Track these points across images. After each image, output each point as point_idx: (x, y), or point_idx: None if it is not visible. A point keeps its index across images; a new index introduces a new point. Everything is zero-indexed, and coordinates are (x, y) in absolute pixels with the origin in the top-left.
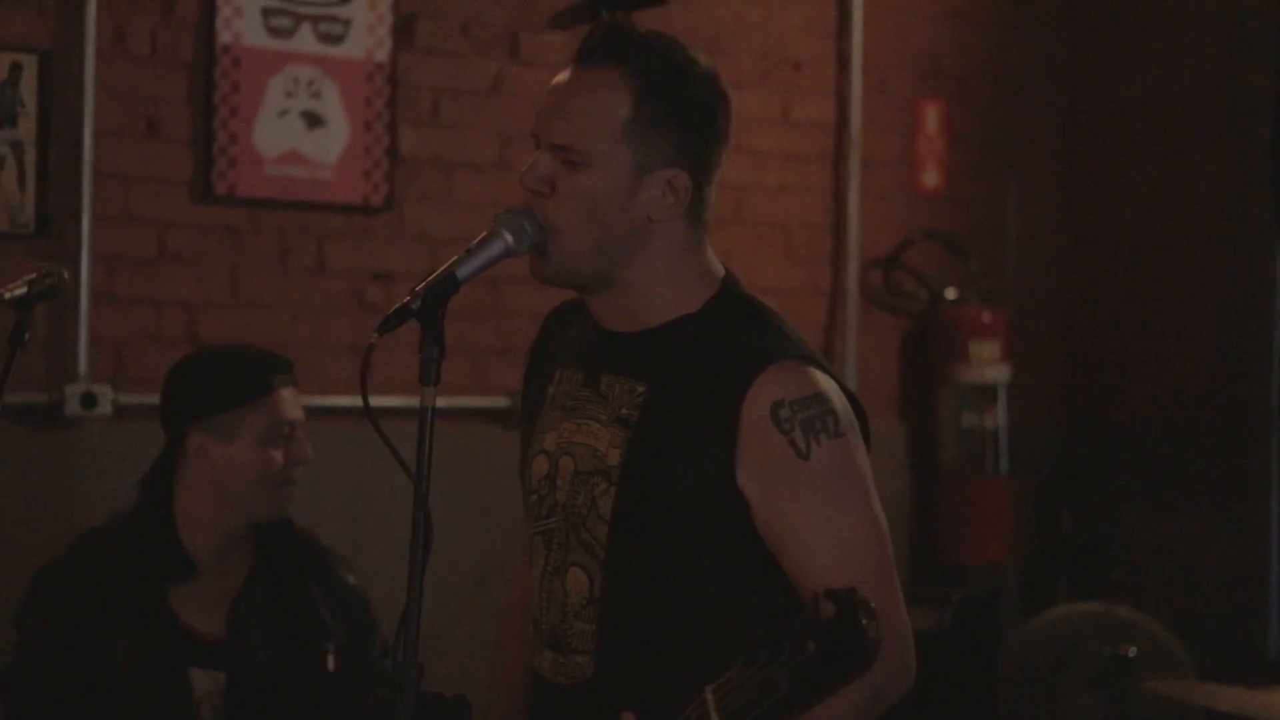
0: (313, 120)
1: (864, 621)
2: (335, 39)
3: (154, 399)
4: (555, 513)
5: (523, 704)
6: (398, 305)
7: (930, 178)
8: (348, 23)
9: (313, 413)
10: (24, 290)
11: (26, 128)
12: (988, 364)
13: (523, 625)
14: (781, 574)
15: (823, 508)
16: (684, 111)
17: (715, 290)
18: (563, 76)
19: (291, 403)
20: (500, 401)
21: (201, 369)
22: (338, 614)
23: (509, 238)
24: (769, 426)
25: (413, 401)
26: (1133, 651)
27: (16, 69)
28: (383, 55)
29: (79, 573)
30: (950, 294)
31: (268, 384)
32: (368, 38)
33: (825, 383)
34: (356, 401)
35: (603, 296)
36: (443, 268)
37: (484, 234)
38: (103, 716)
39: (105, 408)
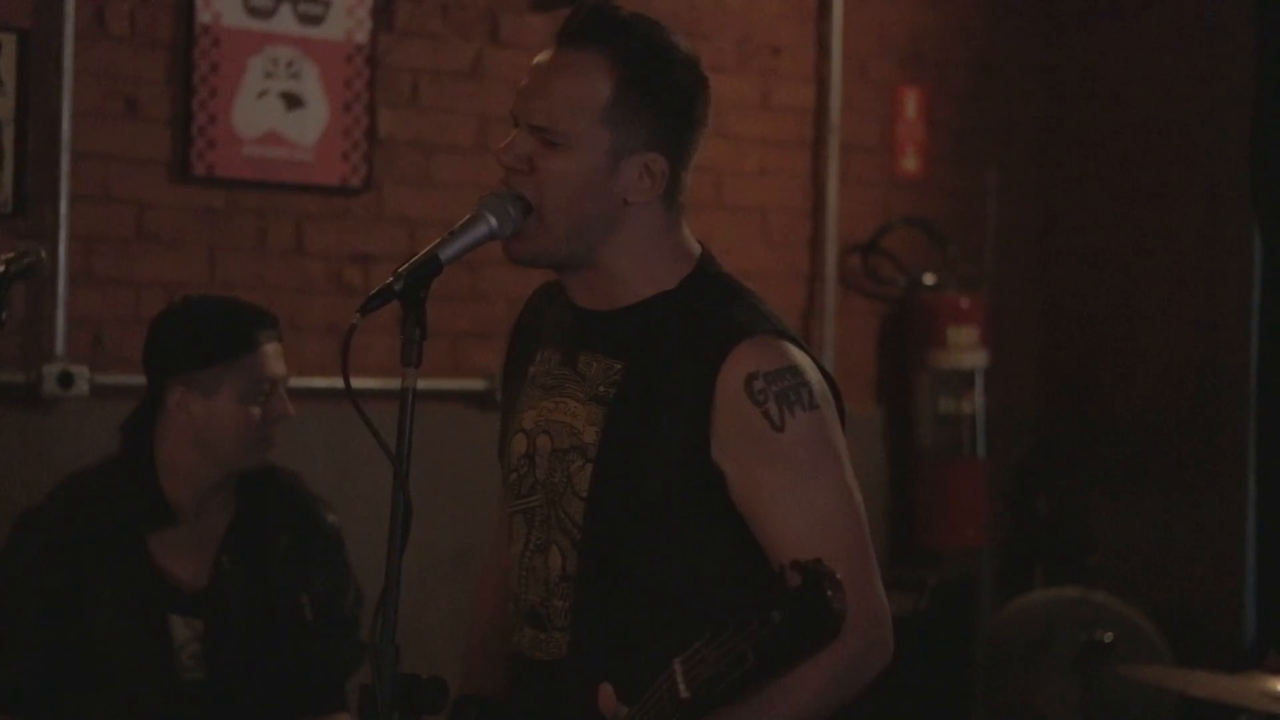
0: (292, 101)
1: (829, 592)
2: (315, 20)
3: (132, 379)
4: (536, 491)
5: (494, 668)
6: (380, 286)
7: (909, 163)
8: (327, 4)
9: (291, 394)
10: (1, 269)
11: (5, 107)
12: (965, 349)
13: (495, 602)
14: (759, 549)
15: (796, 480)
16: (664, 97)
17: (691, 268)
18: (543, 56)
19: (274, 359)
20: (477, 384)
21: (184, 322)
22: (317, 557)
23: (492, 221)
24: (743, 399)
25: (389, 384)
26: (1109, 637)
27: None
28: (362, 36)
29: (59, 520)
30: (928, 279)
31: (250, 340)
32: (347, 19)
33: (800, 357)
34: (334, 383)
35: (579, 276)
36: (426, 249)
37: (467, 217)
38: (83, 663)
39: (82, 388)
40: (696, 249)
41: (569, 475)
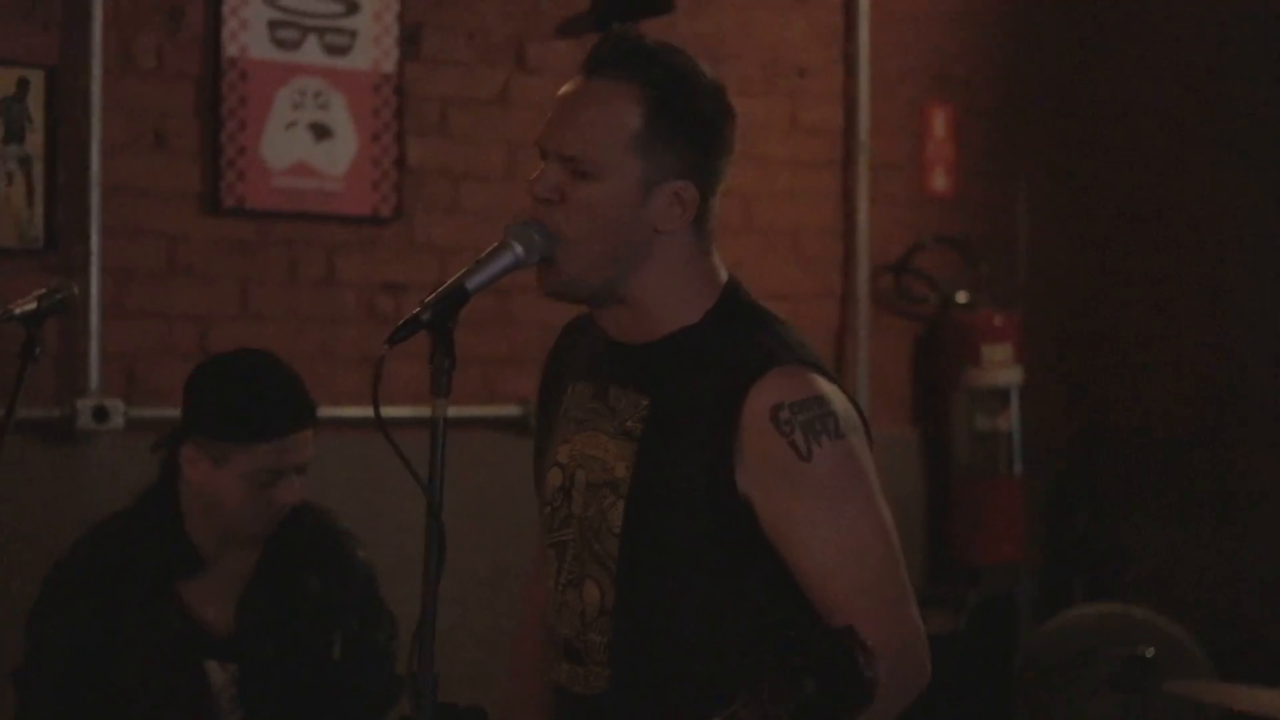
0: (320, 132)
1: (861, 661)
2: (341, 50)
3: (166, 412)
4: (570, 524)
5: (536, 716)
6: (408, 316)
7: (939, 182)
8: (354, 34)
9: (322, 424)
10: (34, 305)
11: (34, 143)
12: (1000, 367)
13: (534, 638)
14: (790, 581)
15: (826, 510)
16: (692, 125)
17: (716, 299)
18: (571, 87)
19: (293, 450)
20: (510, 410)
21: (212, 386)
22: (349, 597)
23: (519, 249)
24: (769, 429)
25: (421, 411)
26: (1150, 652)
27: (24, 84)
28: (389, 66)
29: (89, 570)
30: (961, 297)
31: (266, 431)
32: (374, 49)
33: (825, 386)
34: (365, 412)
35: (609, 310)
36: (453, 279)
37: (494, 245)
38: (119, 713)
39: (117, 421)
40: (724, 277)
41: (603, 511)
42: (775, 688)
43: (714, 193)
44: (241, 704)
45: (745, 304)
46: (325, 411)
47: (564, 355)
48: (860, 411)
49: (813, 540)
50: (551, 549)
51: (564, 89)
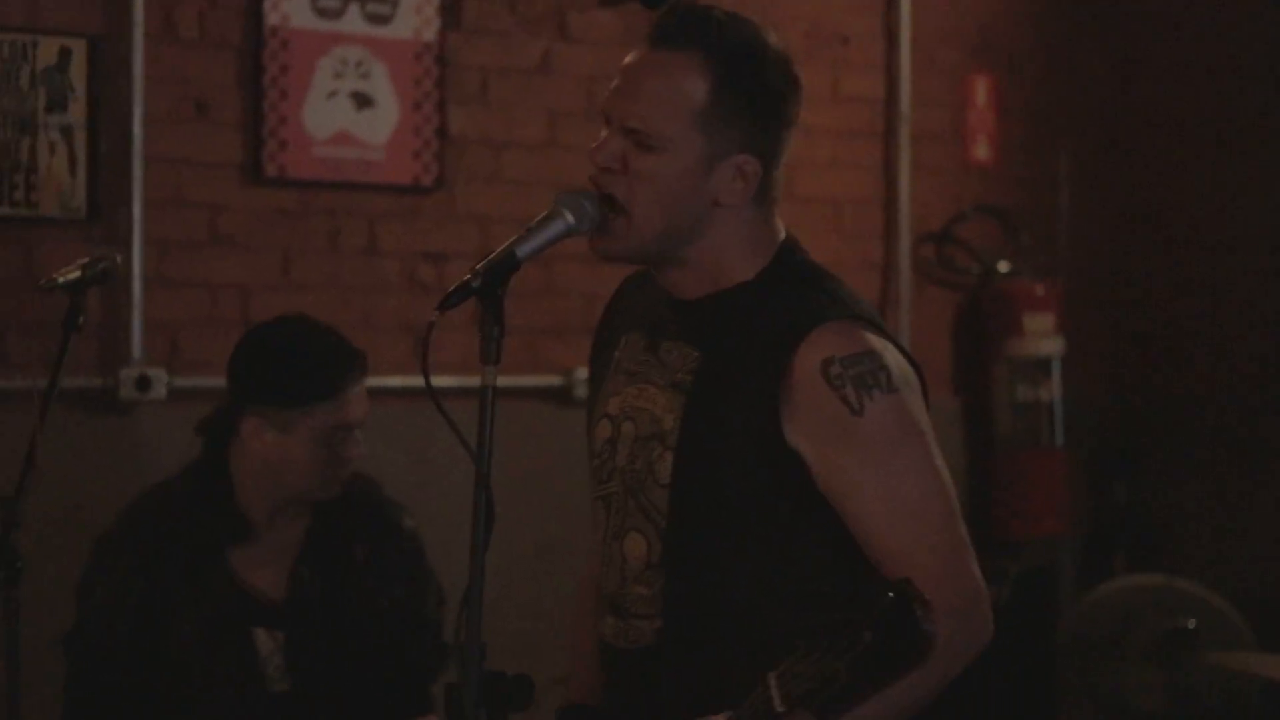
0: (362, 101)
1: (919, 614)
2: (383, 19)
3: (209, 382)
4: (614, 477)
5: (596, 680)
6: (458, 283)
7: (981, 151)
8: (395, 3)
9: (367, 393)
10: (77, 274)
11: (76, 113)
12: (1041, 337)
13: (591, 594)
14: (844, 536)
15: (879, 464)
16: (758, 99)
17: (772, 257)
18: (636, 56)
19: (355, 404)
20: (553, 380)
21: (269, 355)
22: (396, 565)
23: (570, 217)
24: (820, 384)
25: (464, 381)
26: (1192, 623)
27: (66, 54)
28: (430, 35)
29: (138, 537)
30: (1003, 267)
31: (332, 388)
32: (415, 17)
33: (877, 341)
34: (409, 382)
35: (666, 270)
36: (503, 246)
37: (544, 213)
38: (169, 680)
39: (160, 391)
40: (781, 236)
41: (650, 463)
42: (832, 640)
43: (776, 165)
44: (289, 672)
45: (801, 262)
46: (370, 382)
47: (620, 307)
48: (917, 367)
49: (866, 495)
50: (600, 501)
51: (630, 57)
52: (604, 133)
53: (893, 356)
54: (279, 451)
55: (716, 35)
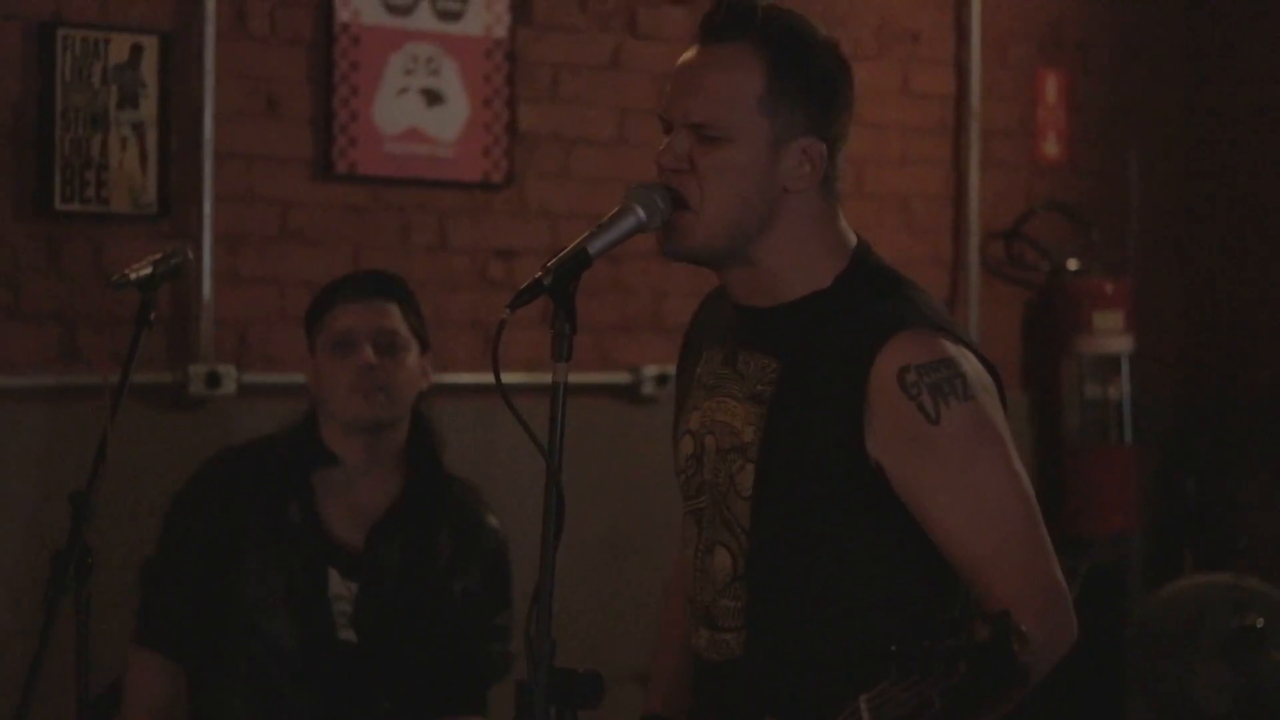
0: (432, 97)
1: (1015, 647)
2: (454, 16)
3: (278, 377)
4: (703, 491)
5: (682, 687)
6: (529, 281)
7: (1051, 148)
8: (466, 0)
9: (436, 390)
10: (149, 270)
11: (148, 109)
12: (1111, 334)
13: (679, 607)
14: (926, 547)
15: (957, 472)
16: (813, 81)
17: (847, 262)
18: (689, 55)
19: (354, 314)
20: (621, 377)
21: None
22: (477, 558)
23: (641, 213)
24: (896, 393)
25: (533, 378)
26: (1260, 622)
27: (137, 50)
28: (501, 31)
29: (230, 470)
30: (1072, 265)
31: (340, 294)
32: (486, 14)
33: (953, 348)
34: (479, 378)
35: (735, 273)
36: (574, 243)
37: (615, 209)
38: (239, 607)
39: (229, 387)
40: (853, 240)
41: (731, 476)
42: (928, 668)
43: (839, 149)
44: (354, 622)
45: (876, 268)
46: (439, 378)
47: (700, 324)
48: (995, 373)
49: (946, 503)
50: (691, 516)
51: (682, 58)
52: (666, 138)
53: (970, 363)
54: (313, 373)
55: (763, 23)
